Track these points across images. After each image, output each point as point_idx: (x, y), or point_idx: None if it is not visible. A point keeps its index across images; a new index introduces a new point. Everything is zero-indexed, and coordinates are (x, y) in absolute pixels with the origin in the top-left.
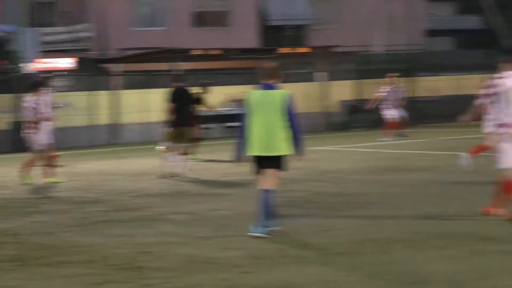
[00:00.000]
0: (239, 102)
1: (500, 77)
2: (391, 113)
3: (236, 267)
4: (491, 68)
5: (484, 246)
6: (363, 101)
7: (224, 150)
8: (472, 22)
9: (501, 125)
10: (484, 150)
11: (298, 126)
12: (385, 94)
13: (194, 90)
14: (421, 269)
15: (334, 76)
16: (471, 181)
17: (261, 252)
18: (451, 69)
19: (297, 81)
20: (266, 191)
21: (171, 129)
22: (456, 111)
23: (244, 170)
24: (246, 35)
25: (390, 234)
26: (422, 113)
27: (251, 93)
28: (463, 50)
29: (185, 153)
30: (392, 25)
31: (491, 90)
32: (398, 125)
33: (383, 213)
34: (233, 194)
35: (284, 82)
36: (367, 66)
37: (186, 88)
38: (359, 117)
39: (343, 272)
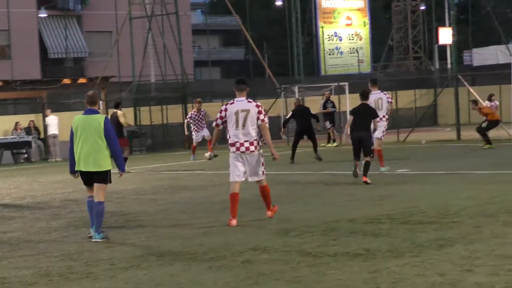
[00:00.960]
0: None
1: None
2: (198, 135)
3: (29, 285)
4: (254, 94)
5: (254, 256)
6: (141, 126)
7: (11, 176)
8: (235, 53)
9: (231, 144)
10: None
11: (115, 145)
12: (192, 117)
13: None
14: (200, 278)
15: (111, 105)
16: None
17: (53, 269)
18: (218, 96)
19: (78, 109)
20: (99, 202)
21: None
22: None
23: (31, 194)
24: (29, 67)
25: (171, 247)
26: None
27: (76, 117)
28: (228, 79)
29: None
30: (164, 56)
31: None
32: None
33: (163, 229)
34: (23, 216)
35: (66, 110)
36: (142, 94)
37: None
38: (139, 142)
39: (130, 285)
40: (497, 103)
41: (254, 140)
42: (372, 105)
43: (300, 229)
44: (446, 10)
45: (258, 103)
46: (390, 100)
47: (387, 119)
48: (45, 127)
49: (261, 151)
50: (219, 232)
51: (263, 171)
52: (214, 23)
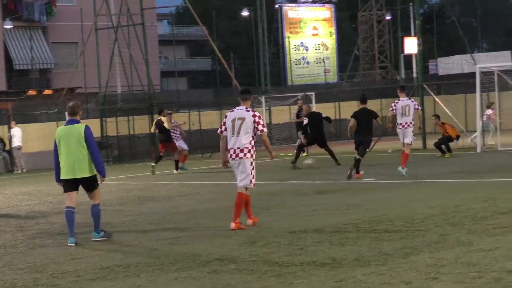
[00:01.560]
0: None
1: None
2: (180, 145)
3: None
4: (220, 105)
5: (221, 266)
6: (108, 137)
7: None
8: (202, 64)
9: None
10: None
11: (95, 152)
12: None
13: None
14: None
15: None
16: (206, 207)
17: (18, 282)
18: (185, 107)
19: (44, 120)
20: (94, 205)
21: None
22: (194, 144)
23: None
24: None
25: (137, 258)
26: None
27: (58, 129)
28: (194, 89)
29: None
30: (131, 67)
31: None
32: (181, 157)
33: (128, 240)
34: None
35: (32, 122)
36: (109, 105)
37: None
38: (106, 153)
39: None
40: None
41: (245, 147)
42: (400, 111)
43: (267, 239)
44: (412, 20)
45: (256, 113)
46: (417, 107)
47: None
48: (10, 139)
49: (251, 160)
50: (185, 243)
51: (251, 180)
52: (181, 33)
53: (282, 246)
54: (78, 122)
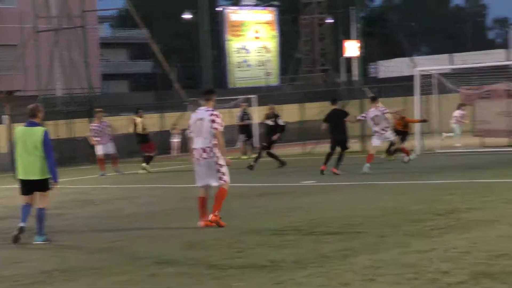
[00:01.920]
0: None
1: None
2: (100, 149)
3: None
4: (161, 108)
5: (160, 269)
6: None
7: None
8: (143, 66)
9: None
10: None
11: (50, 157)
12: (94, 129)
13: None
14: None
15: (17, 118)
16: (146, 210)
17: None
18: (126, 110)
19: None
20: (40, 209)
21: None
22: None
23: None
24: None
25: (76, 263)
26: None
27: (17, 129)
28: (136, 92)
29: None
30: (71, 69)
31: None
32: (113, 161)
33: (67, 244)
34: None
35: None
36: (49, 108)
37: None
38: None
39: None
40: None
41: (207, 147)
42: (371, 122)
43: (206, 241)
44: (353, 23)
45: (214, 112)
46: (384, 111)
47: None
48: None
49: (215, 158)
50: (124, 246)
51: (220, 177)
52: (122, 36)
53: (221, 249)
54: (38, 124)
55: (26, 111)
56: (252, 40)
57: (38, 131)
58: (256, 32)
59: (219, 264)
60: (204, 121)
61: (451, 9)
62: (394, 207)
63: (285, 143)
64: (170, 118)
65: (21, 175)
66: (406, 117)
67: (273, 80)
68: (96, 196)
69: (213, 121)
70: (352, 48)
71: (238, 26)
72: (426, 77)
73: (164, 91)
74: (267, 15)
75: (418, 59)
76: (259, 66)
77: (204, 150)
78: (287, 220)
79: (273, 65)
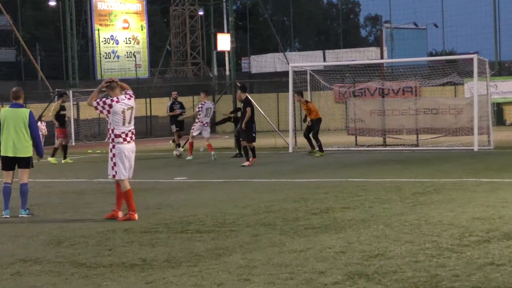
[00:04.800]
0: None
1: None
2: None
3: None
4: (24, 98)
5: (25, 268)
6: None
7: None
8: (6, 54)
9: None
10: None
11: (37, 135)
12: None
13: None
14: None
15: None
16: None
17: None
18: None
19: None
20: (24, 184)
21: None
22: None
23: None
24: None
25: None
26: None
27: (3, 110)
28: None
29: None
30: None
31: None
32: None
33: None
34: None
35: None
36: None
37: None
38: None
39: None
40: None
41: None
42: (204, 112)
43: (74, 239)
44: (225, 16)
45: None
46: (213, 108)
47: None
48: None
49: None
50: None
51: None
52: None
53: (89, 247)
54: (22, 106)
55: (10, 93)
56: (121, 30)
57: (25, 112)
58: (125, 22)
59: (87, 263)
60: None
61: (324, 6)
62: (267, 205)
63: (156, 138)
64: (36, 109)
65: (6, 152)
66: (309, 102)
67: (143, 72)
68: None
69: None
70: (224, 42)
71: (106, 16)
72: (299, 74)
73: (28, 81)
74: (136, 5)
75: (291, 54)
76: (128, 57)
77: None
78: (158, 217)
79: (143, 57)
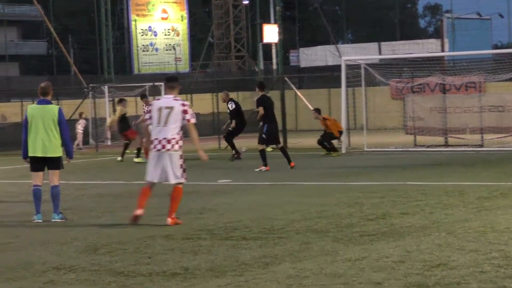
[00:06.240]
0: None
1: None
2: None
3: None
4: (56, 95)
5: (59, 276)
6: None
7: None
8: (36, 47)
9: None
10: None
11: (67, 134)
12: None
13: None
14: None
15: None
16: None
17: None
18: (17, 96)
19: None
20: (55, 186)
21: None
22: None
23: None
24: None
25: None
26: None
27: (29, 107)
28: (28, 76)
29: None
30: None
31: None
32: None
33: None
34: None
35: None
36: None
37: None
38: None
39: None
40: None
41: (173, 138)
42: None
43: (110, 246)
44: (271, 6)
45: (185, 102)
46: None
47: None
48: None
49: (180, 152)
50: (17, 249)
51: (181, 174)
52: (13, 13)
53: (127, 254)
54: (50, 102)
55: (38, 89)
56: (160, 21)
57: (54, 109)
58: (164, 12)
59: (125, 271)
60: (174, 111)
61: None
62: (318, 210)
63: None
64: (69, 106)
65: (35, 152)
66: (328, 118)
67: (183, 66)
68: None
69: (185, 111)
70: (271, 33)
71: (143, 5)
72: (352, 68)
73: (59, 76)
74: None
75: (343, 47)
76: (168, 50)
77: (169, 141)
78: (201, 222)
79: (183, 49)
